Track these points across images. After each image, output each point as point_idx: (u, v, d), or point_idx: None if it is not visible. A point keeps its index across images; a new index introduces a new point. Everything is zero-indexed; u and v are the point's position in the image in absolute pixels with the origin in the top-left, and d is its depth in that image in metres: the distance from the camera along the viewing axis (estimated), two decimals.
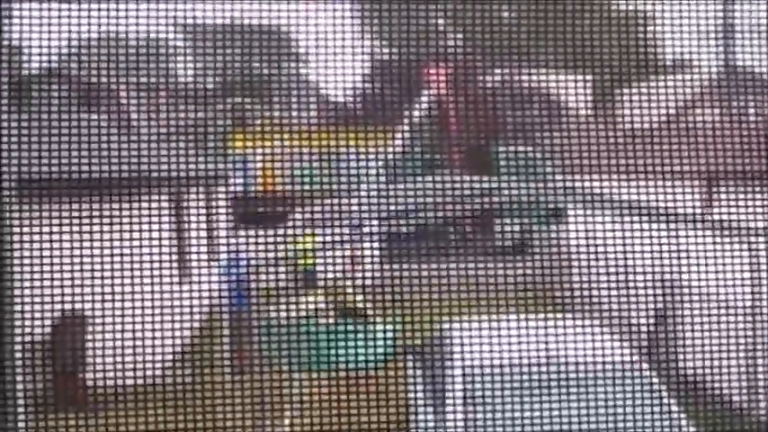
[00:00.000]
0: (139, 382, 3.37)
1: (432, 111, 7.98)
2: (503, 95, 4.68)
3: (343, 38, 3.44)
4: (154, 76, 3.81)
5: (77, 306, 3.15)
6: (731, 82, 4.19)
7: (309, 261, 7.35)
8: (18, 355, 3.00)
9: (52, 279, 3.09)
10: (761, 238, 4.15)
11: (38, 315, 3.09)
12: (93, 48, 3.48)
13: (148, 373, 3.34)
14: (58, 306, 3.11)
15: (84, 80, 3.71)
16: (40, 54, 3.15)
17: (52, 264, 3.11)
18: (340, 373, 3.30)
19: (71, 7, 3.15)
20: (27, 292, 3.04)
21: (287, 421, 3.57)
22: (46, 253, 3.10)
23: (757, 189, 3.71)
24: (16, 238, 3.03)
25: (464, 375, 4.48)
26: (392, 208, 3.59)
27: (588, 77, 4.25)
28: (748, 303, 3.80)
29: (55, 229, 3.15)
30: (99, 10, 3.15)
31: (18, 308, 3.02)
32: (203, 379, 3.61)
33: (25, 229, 3.12)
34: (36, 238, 3.12)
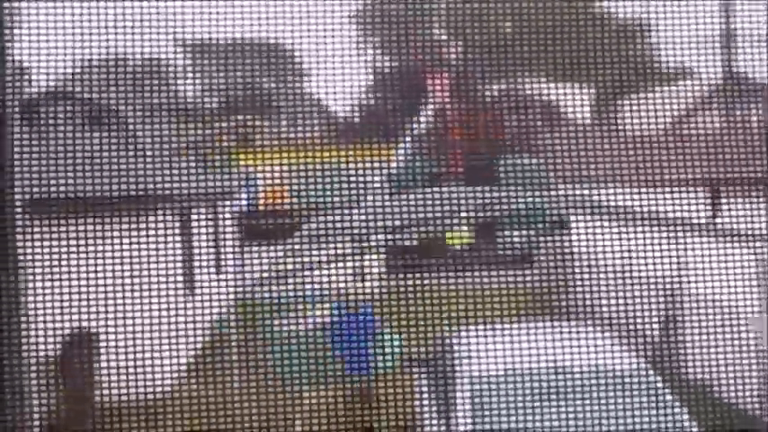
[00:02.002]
0: (149, 397, 3.40)
1: (434, 121, 8.02)
2: (504, 105, 4.71)
3: (344, 51, 3.47)
4: (159, 96, 3.85)
5: (87, 323, 3.18)
6: (732, 89, 4.22)
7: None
8: (29, 372, 3.02)
9: (61, 297, 3.12)
10: (765, 245, 4.17)
11: (48, 333, 3.12)
12: (100, 67, 3.52)
13: (158, 388, 3.36)
14: (68, 324, 3.14)
15: (89, 100, 3.76)
16: (47, 74, 3.19)
17: (61, 281, 3.14)
18: (346, 383, 3.32)
19: (75, 28, 3.19)
20: (38, 310, 3.07)
21: (298, 429, 3.59)
22: (56, 270, 3.13)
23: (761, 196, 3.73)
24: (27, 256, 3.06)
25: (471, 384, 4.49)
26: (396, 220, 3.62)
27: (590, 89, 4.28)
28: (753, 309, 3.81)
29: (64, 247, 3.18)
30: (106, 30, 3.19)
31: (28, 326, 3.05)
32: (214, 392, 3.63)
33: (36, 248, 3.15)
34: (46, 256, 3.16)
